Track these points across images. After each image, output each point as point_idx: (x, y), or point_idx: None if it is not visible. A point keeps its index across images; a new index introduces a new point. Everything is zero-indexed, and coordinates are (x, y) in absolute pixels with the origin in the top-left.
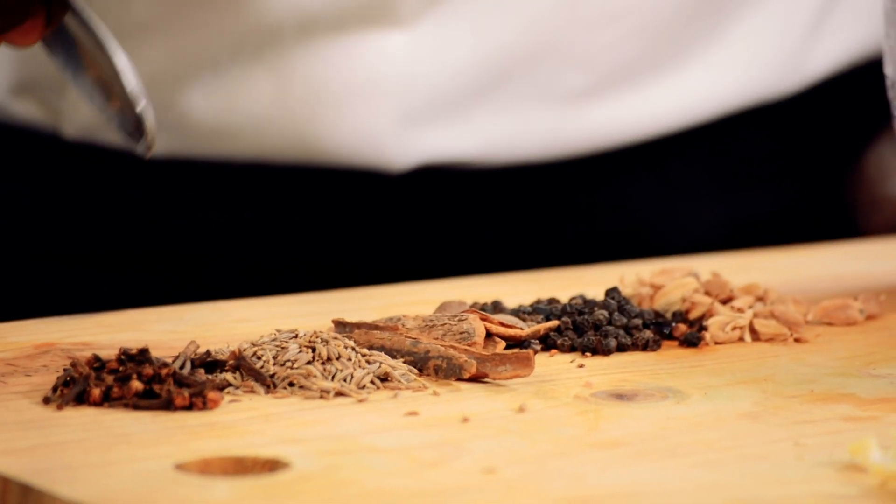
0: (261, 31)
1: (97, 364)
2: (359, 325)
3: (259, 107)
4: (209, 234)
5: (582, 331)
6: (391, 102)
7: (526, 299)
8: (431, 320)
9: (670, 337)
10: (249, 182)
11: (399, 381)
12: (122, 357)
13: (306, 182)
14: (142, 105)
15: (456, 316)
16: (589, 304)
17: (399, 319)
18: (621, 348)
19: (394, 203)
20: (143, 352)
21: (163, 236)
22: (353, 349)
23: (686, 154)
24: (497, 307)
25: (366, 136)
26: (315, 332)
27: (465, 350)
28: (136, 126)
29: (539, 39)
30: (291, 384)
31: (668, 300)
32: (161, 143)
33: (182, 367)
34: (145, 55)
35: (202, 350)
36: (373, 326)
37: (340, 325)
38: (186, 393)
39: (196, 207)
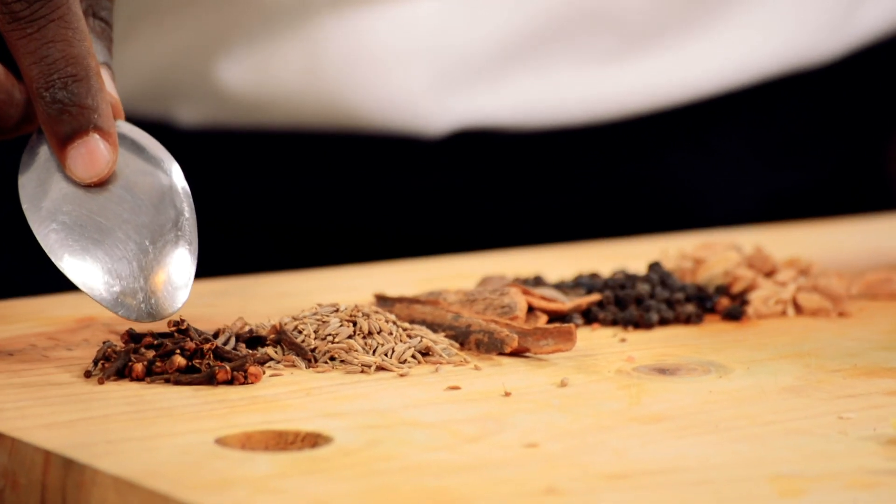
0: None
1: (130, 340)
2: (400, 300)
3: (293, 75)
4: (245, 204)
5: (624, 305)
6: (425, 67)
7: (567, 273)
8: (473, 294)
9: (713, 311)
10: (285, 151)
11: (440, 356)
12: (157, 334)
13: (342, 149)
14: None
15: (497, 290)
16: (631, 278)
17: (440, 294)
18: (663, 322)
19: (431, 168)
20: (179, 323)
21: (198, 208)
22: (395, 323)
23: (726, 122)
24: (538, 281)
25: (401, 101)
26: (356, 307)
27: (507, 324)
28: None
29: (573, 1)
30: (333, 358)
31: (710, 274)
32: (196, 113)
33: (226, 342)
34: (179, 26)
35: (242, 325)
36: (414, 301)
37: (382, 300)
38: (228, 367)
39: (231, 177)
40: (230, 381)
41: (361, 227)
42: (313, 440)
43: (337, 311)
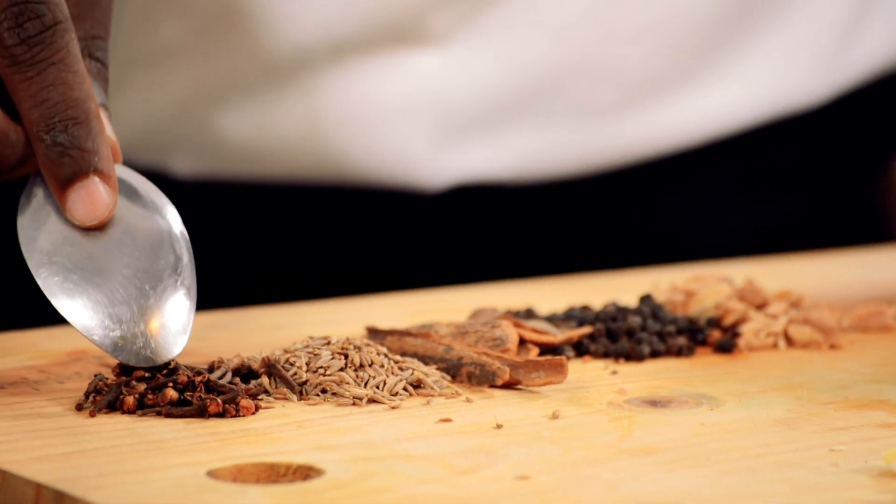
0: (293, 53)
1: (121, 373)
2: (391, 332)
3: (292, 128)
4: (239, 255)
5: (615, 337)
6: (424, 122)
7: (559, 306)
8: (464, 327)
9: (704, 343)
10: (281, 203)
11: (432, 388)
12: (148, 368)
13: (340, 203)
14: None
15: (489, 322)
16: (622, 311)
17: (432, 326)
18: (655, 355)
19: (429, 223)
20: (173, 371)
21: (196, 256)
22: (386, 356)
23: (717, 164)
24: (530, 314)
25: (399, 156)
26: (347, 339)
27: (499, 357)
28: None
29: (570, 56)
30: (324, 391)
31: (701, 306)
32: (192, 163)
33: (222, 377)
34: (178, 77)
35: (240, 362)
36: (405, 333)
37: (373, 332)
38: (219, 400)
39: (225, 228)
40: (221, 414)
41: (357, 279)
42: (305, 473)
43: (328, 343)
